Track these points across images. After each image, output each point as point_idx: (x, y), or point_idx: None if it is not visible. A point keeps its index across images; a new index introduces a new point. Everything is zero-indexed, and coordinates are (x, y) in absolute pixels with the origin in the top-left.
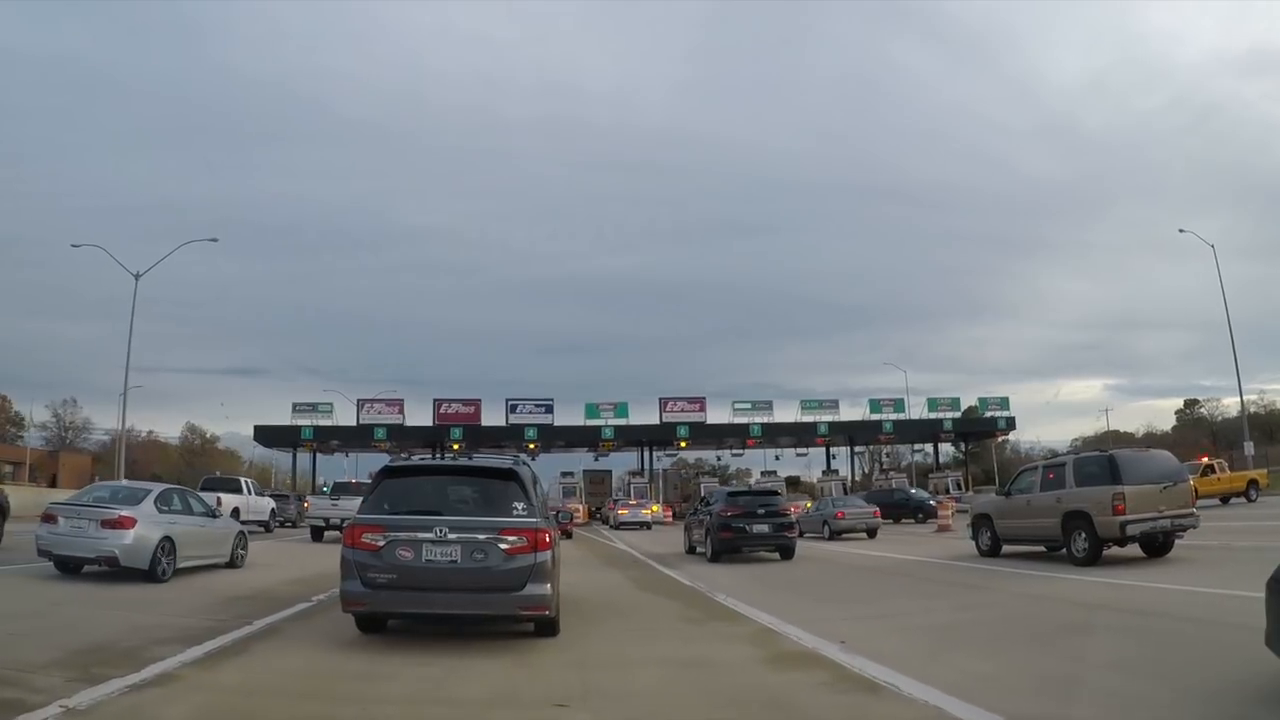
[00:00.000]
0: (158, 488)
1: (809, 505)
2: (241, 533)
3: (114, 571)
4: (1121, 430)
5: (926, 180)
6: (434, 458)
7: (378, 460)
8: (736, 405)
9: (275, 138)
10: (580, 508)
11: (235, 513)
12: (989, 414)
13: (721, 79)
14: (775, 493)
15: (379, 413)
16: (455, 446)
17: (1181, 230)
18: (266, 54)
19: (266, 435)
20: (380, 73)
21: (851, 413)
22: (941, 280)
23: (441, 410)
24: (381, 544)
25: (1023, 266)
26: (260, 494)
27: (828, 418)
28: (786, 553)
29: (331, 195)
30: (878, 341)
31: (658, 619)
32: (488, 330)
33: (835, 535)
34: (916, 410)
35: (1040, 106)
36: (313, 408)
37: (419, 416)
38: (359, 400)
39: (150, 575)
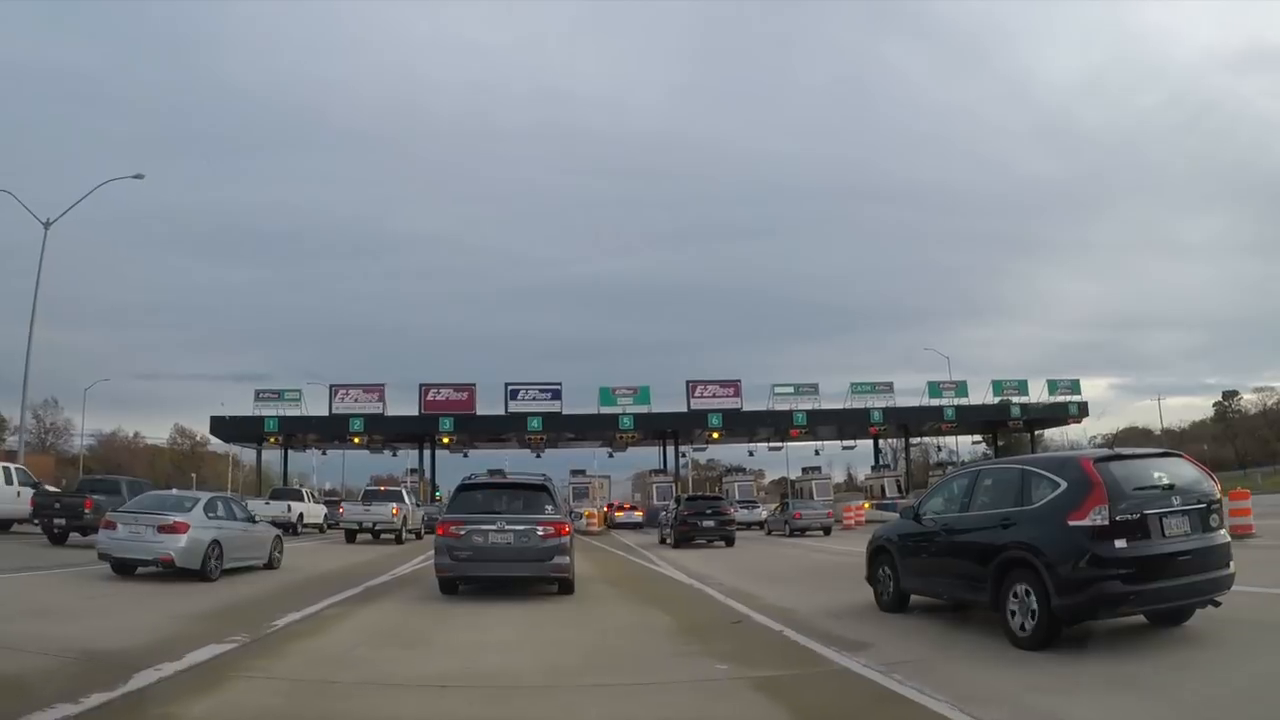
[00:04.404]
0: (205, 496)
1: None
2: (278, 537)
3: (167, 572)
4: (1138, 426)
5: (925, 181)
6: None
7: (358, 457)
8: (777, 389)
9: (273, 146)
10: (595, 513)
11: (300, 517)
12: (1059, 398)
13: (716, 83)
14: (719, 498)
15: (355, 400)
16: (446, 441)
17: None
18: (263, 65)
19: (225, 428)
20: (376, 81)
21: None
22: (942, 281)
23: (429, 397)
24: (462, 533)
25: (1023, 266)
26: (318, 502)
27: (881, 403)
28: (729, 541)
29: (330, 202)
30: (880, 343)
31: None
32: (489, 335)
33: (795, 532)
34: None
35: (1037, 106)
36: (278, 395)
37: (404, 406)
38: (331, 386)
39: (201, 575)
